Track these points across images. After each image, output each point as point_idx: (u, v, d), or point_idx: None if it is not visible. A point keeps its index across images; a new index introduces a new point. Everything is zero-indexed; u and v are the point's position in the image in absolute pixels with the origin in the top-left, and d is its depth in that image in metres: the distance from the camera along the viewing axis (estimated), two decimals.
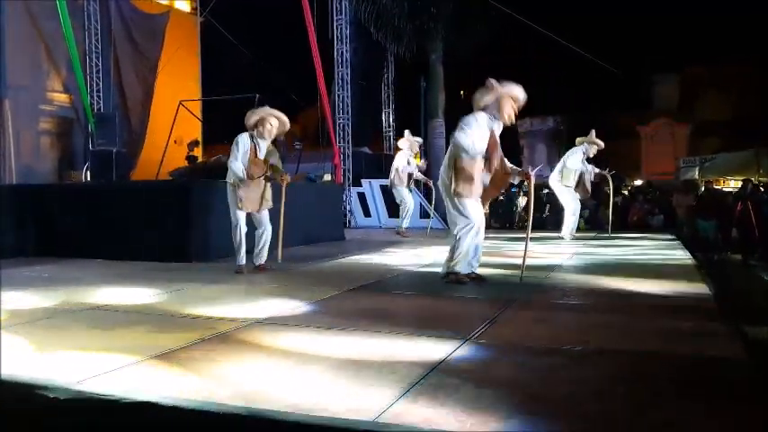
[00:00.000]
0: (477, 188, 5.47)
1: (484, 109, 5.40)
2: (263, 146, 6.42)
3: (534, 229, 10.27)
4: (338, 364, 3.06)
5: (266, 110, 6.43)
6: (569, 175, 9.81)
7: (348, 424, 2.30)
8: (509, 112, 5.40)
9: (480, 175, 5.47)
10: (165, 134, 12.69)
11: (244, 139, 6.33)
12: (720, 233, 12.90)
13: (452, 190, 5.38)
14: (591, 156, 9.89)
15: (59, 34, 11.82)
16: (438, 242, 9.51)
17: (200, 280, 5.91)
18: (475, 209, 5.45)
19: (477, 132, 5.28)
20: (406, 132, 11.40)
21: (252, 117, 6.35)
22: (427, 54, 16.22)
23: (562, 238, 9.90)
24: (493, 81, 5.37)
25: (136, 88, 13.85)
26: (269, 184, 6.52)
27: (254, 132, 6.35)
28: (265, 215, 6.55)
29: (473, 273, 5.64)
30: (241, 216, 6.37)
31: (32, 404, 2.61)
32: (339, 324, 3.96)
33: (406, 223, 11.22)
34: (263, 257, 6.57)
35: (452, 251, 5.51)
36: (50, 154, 12.58)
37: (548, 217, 13.93)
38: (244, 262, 6.45)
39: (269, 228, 6.56)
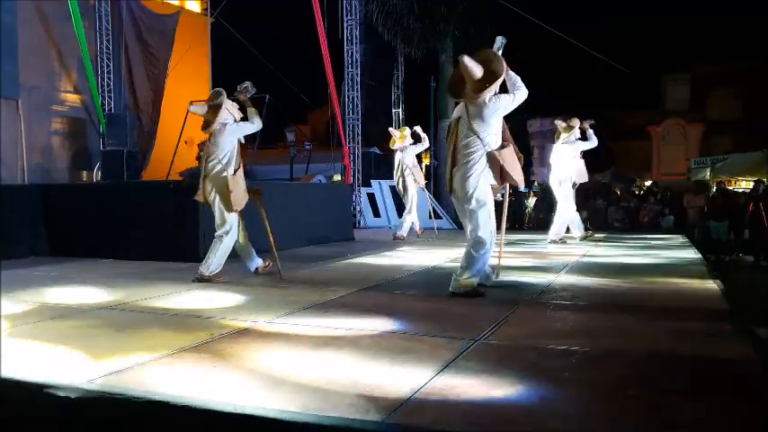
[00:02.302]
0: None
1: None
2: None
3: (544, 230, 10.27)
4: (346, 367, 3.07)
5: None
6: (569, 177, 9.27)
7: (351, 424, 2.30)
8: None
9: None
10: (175, 134, 12.74)
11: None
12: (732, 234, 12.81)
13: (502, 182, 4.95)
14: (564, 138, 9.19)
15: (71, 35, 11.89)
16: (447, 243, 9.49)
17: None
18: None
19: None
20: (410, 128, 10.69)
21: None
22: (437, 54, 16.21)
23: (559, 241, 9.53)
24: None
25: (146, 89, 13.91)
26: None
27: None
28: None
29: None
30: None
31: (43, 403, 2.62)
32: (348, 325, 3.96)
33: (407, 225, 10.58)
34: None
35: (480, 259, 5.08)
36: (62, 154, 12.67)
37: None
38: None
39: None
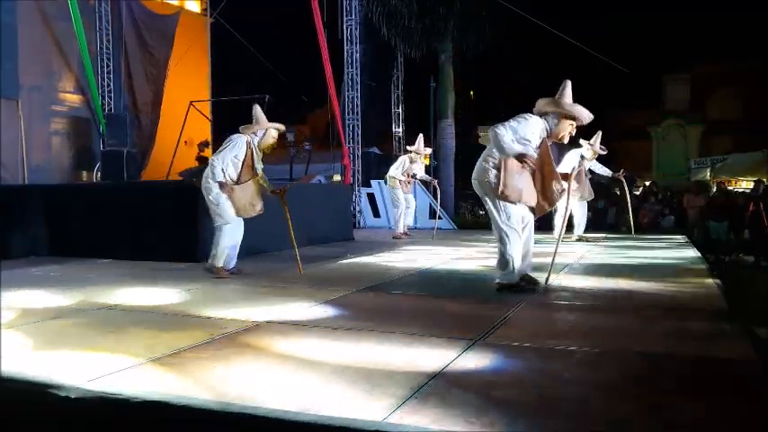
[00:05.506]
0: (528, 194, 5.00)
1: (542, 116, 5.05)
2: (259, 156, 6.28)
3: (545, 230, 10.26)
4: (346, 366, 3.07)
5: (270, 123, 6.27)
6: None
7: (351, 424, 2.30)
8: (564, 134, 5.07)
9: (529, 181, 5.00)
10: (175, 134, 12.73)
11: (240, 144, 6.12)
12: (732, 234, 12.81)
13: (499, 191, 4.92)
14: (587, 156, 9.51)
15: (72, 35, 11.87)
16: (447, 243, 9.50)
17: (208, 280, 5.93)
18: (520, 212, 5.02)
19: (527, 130, 4.94)
20: (419, 139, 11.13)
21: (255, 126, 6.19)
22: (437, 54, 16.19)
23: (576, 238, 9.85)
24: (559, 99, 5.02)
25: (146, 89, 13.89)
26: (257, 189, 6.31)
27: (254, 140, 6.18)
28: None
29: (527, 276, 5.25)
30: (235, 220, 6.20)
31: (43, 403, 2.62)
32: (347, 325, 3.96)
33: (400, 226, 11.00)
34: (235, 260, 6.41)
35: (502, 258, 5.08)
36: (63, 154, 12.64)
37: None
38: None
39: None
